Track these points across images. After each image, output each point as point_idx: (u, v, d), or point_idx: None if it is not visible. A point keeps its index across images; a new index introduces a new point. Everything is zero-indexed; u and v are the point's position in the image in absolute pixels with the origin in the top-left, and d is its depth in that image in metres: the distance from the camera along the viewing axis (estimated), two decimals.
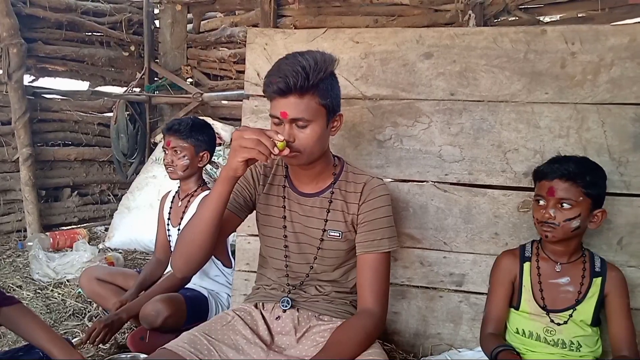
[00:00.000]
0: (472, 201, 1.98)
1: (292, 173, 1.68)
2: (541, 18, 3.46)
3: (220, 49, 4.61)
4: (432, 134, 2.01)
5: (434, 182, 2.01)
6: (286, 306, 1.65)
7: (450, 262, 2.00)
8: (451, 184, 2.00)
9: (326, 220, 1.62)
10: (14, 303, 1.57)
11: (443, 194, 2.00)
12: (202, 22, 4.75)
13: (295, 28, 4.08)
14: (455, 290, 2.01)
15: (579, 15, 3.40)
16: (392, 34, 2.06)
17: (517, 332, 1.72)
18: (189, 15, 4.75)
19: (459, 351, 1.92)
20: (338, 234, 1.62)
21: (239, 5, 4.47)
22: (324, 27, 3.88)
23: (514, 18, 3.41)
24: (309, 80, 1.42)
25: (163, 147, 2.42)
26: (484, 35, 1.96)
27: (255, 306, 1.70)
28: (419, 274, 2.04)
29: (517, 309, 1.73)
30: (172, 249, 2.40)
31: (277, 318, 1.66)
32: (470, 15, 3.21)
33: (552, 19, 3.54)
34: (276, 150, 1.38)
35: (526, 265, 1.74)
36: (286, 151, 1.42)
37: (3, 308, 1.53)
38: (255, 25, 4.34)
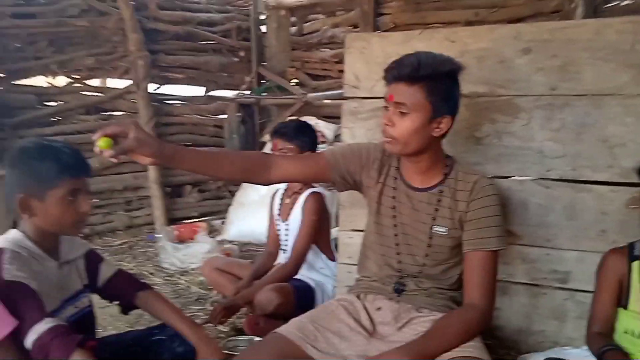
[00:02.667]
0: (576, 197, 1.94)
1: (402, 166, 1.74)
2: None
3: (323, 50, 4.79)
4: (532, 130, 1.99)
5: (535, 178, 2.00)
6: (398, 289, 1.71)
7: (553, 259, 1.98)
8: (553, 180, 1.98)
9: (434, 217, 1.67)
10: (148, 288, 1.82)
11: (544, 190, 1.98)
12: (304, 25, 4.96)
13: (394, 26, 4.14)
14: (560, 288, 1.98)
15: None
16: (488, 32, 2.06)
17: (626, 332, 1.68)
18: (293, 19, 4.97)
19: (564, 349, 1.90)
20: (444, 230, 1.66)
21: (339, 6, 4.62)
22: (423, 23, 3.95)
23: (627, 2, 3.19)
24: (418, 71, 1.52)
25: (271, 149, 2.62)
26: (586, 27, 1.91)
27: (358, 297, 1.80)
28: (521, 270, 2.04)
29: (625, 308, 1.68)
30: (282, 243, 2.61)
31: (378, 309, 1.74)
32: (577, 2, 3.06)
33: None
34: (97, 149, 1.39)
35: (635, 264, 1.68)
36: (108, 152, 1.38)
37: (140, 292, 1.77)
38: (355, 25, 4.45)
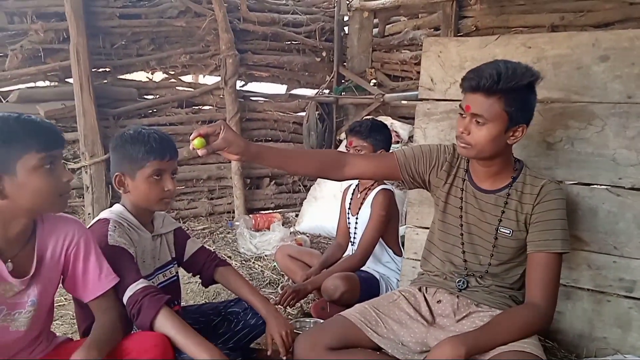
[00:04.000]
0: None
1: (472, 168, 1.81)
2: None
3: (403, 51, 4.84)
4: (606, 137, 1.99)
5: (607, 185, 1.99)
6: (462, 286, 1.79)
7: (620, 267, 1.97)
8: (625, 188, 1.97)
9: (500, 219, 1.72)
10: (227, 265, 2.01)
11: (616, 198, 1.98)
12: (386, 27, 5.04)
13: (476, 29, 4.12)
14: (625, 296, 1.97)
15: None
16: (566, 38, 2.08)
17: None
18: (375, 21, 5.07)
19: (625, 357, 1.89)
20: (509, 232, 1.71)
21: (422, 8, 4.65)
22: (506, 26, 3.92)
23: None
24: (498, 84, 1.56)
25: (346, 147, 2.75)
26: None
27: (419, 289, 1.89)
28: (586, 276, 2.04)
29: None
30: (351, 236, 2.74)
31: (438, 302, 1.82)
32: None
33: None
34: (191, 147, 1.57)
35: None
36: (201, 151, 1.57)
37: (219, 268, 1.96)
38: (437, 28, 4.48)
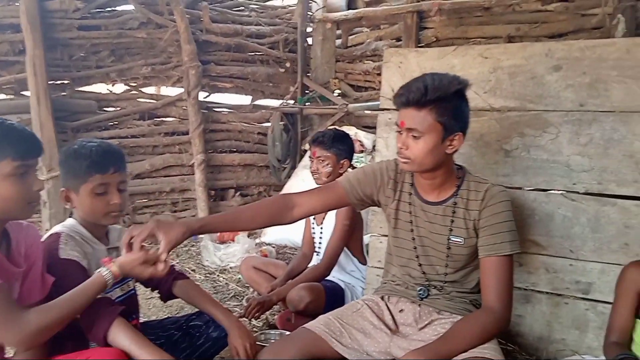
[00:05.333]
0: (601, 211, 1.98)
1: (416, 182, 1.83)
2: None
3: (366, 62, 4.89)
4: (560, 144, 2.05)
5: (562, 191, 2.05)
6: (423, 295, 1.80)
7: (576, 270, 2.03)
8: (579, 193, 2.03)
9: (451, 229, 1.75)
10: (186, 278, 1.96)
11: (570, 203, 2.04)
12: (349, 38, 5.10)
13: (437, 40, 4.21)
14: (582, 298, 2.03)
15: None
16: (521, 49, 2.14)
17: None
18: (338, 32, 5.12)
19: (583, 357, 1.94)
20: (461, 240, 1.74)
21: (383, 20, 4.72)
22: (465, 37, 4.01)
23: None
24: (426, 96, 1.59)
25: (310, 157, 2.76)
26: (616, 46, 1.97)
27: (382, 298, 1.90)
28: (544, 280, 2.09)
29: None
30: (316, 246, 2.74)
31: (400, 311, 1.84)
32: (619, 18, 3.06)
33: None
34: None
35: None
36: (160, 267, 1.56)
37: (178, 281, 1.92)
38: (398, 39, 4.55)
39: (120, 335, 1.47)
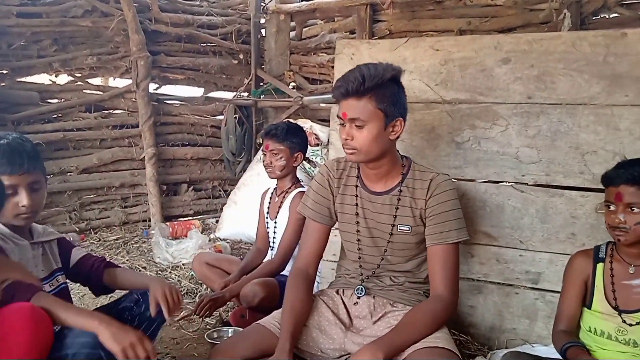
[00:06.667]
0: (549, 202, 2.03)
1: (362, 173, 1.85)
2: None
3: (320, 54, 4.85)
4: (510, 136, 2.08)
5: (511, 182, 2.09)
6: (360, 294, 1.83)
7: (526, 260, 2.07)
8: (528, 184, 2.06)
9: (395, 216, 1.77)
10: (115, 267, 1.92)
11: (520, 194, 2.07)
12: (303, 30, 5.04)
13: (390, 33, 4.21)
14: (532, 288, 2.07)
15: None
16: (471, 41, 2.16)
17: (590, 331, 1.76)
18: (292, 24, 5.06)
19: (533, 346, 1.98)
20: (407, 228, 1.77)
21: (337, 12, 4.69)
22: (418, 30, 4.04)
23: (615, 15, 3.28)
24: (364, 84, 1.62)
25: (262, 150, 2.70)
26: (562, 40, 2.00)
27: (337, 292, 1.90)
28: (495, 270, 2.12)
29: (589, 308, 1.77)
30: (270, 240, 2.70)
31: (355, 303, 1.84)
32: (565, 14, 3.14)
33: None
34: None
35: (599, 265, 1.77)
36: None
37: (106, 270, 1.88)
38: (352, 31, 4.53)
39: (43, 301, 1.39)
